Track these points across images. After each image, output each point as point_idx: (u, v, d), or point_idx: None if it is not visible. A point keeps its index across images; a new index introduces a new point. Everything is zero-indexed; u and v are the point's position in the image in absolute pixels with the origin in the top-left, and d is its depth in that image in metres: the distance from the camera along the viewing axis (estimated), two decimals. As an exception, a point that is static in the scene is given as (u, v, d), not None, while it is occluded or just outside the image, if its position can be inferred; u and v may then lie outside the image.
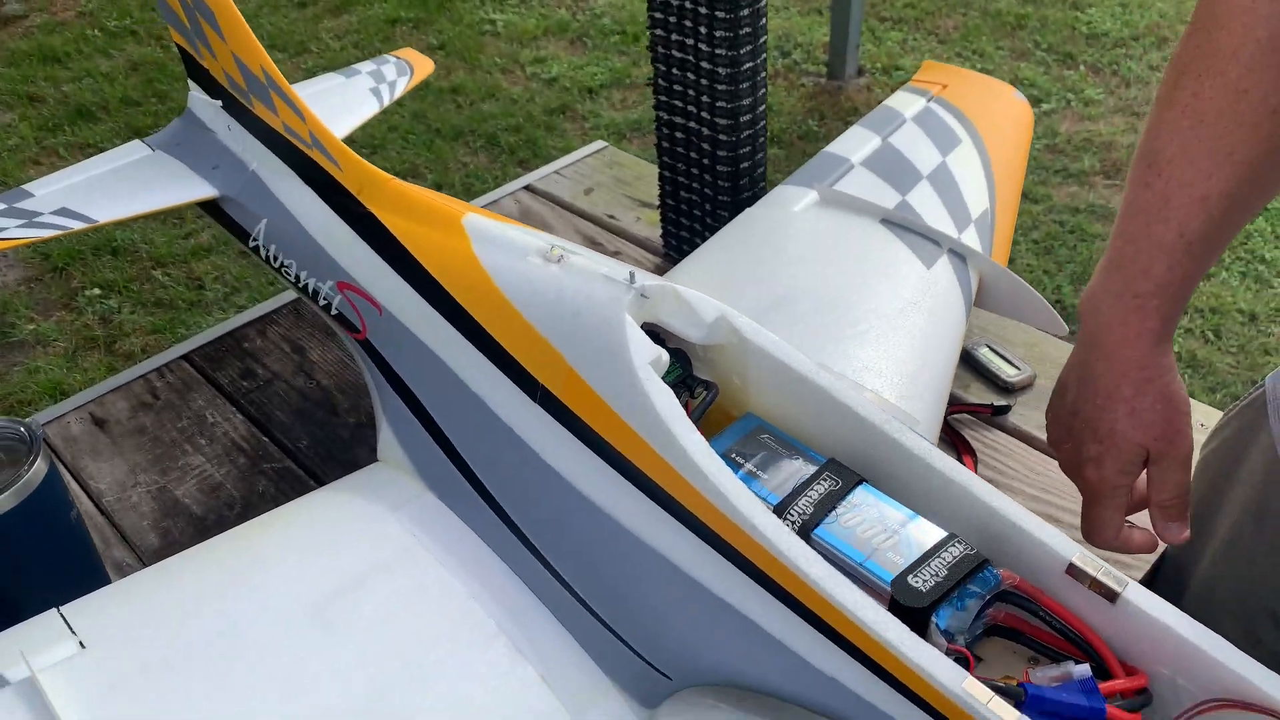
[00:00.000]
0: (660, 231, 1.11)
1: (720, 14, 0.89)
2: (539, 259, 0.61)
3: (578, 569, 0.55)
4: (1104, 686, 0.45)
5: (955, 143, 0.92)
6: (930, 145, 0.92)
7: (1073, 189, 2.52)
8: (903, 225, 0.83)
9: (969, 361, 0.95)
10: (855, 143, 0.94)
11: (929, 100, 0.99)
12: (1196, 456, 0.79)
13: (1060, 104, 2.83)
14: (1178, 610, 0.46)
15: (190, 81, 0.92)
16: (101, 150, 0.97)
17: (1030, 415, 0.90)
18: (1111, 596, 0.47)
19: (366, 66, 1.09)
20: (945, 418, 0.76)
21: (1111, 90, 2.88)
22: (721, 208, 1.01)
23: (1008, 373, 0.93)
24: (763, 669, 0.49)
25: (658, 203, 1.09)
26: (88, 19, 3.61)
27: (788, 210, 0.88)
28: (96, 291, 2.39)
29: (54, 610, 0.58)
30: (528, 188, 1.27)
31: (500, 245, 0.63)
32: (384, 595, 0.57)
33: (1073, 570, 0.48)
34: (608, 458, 0.54)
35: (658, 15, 0.95)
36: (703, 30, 0.91)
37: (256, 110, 0.81)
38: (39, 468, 0.69)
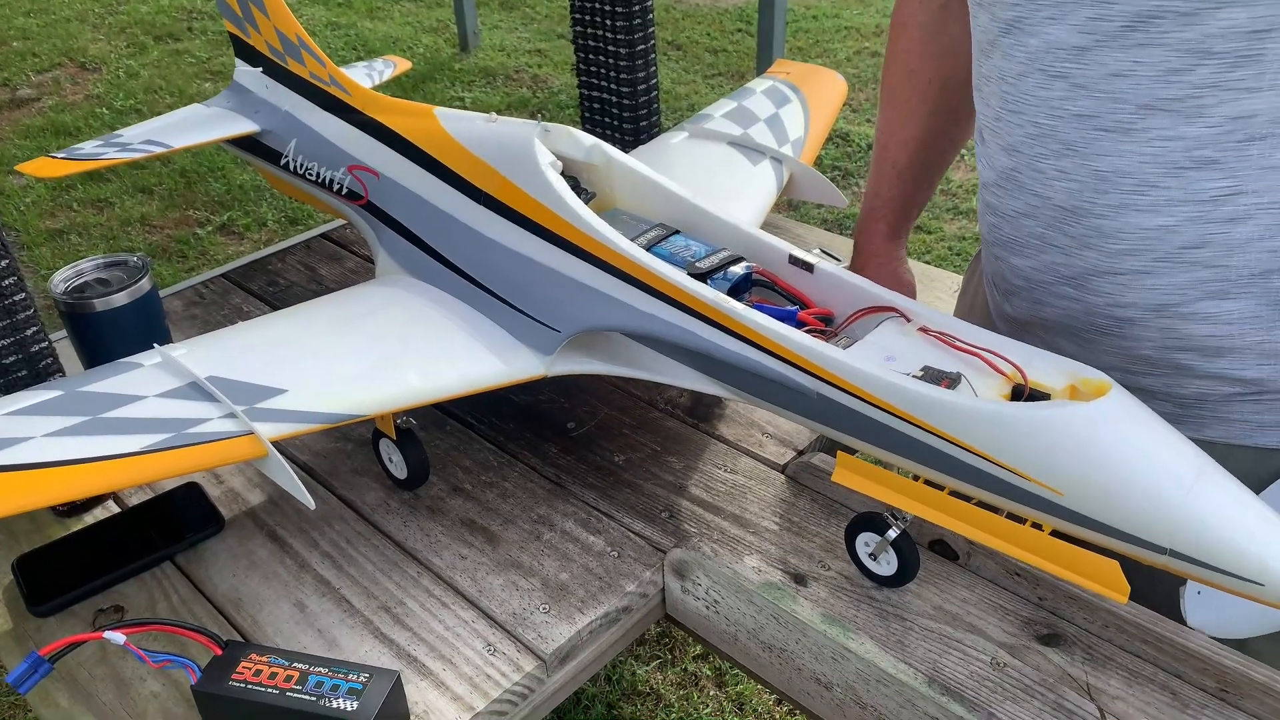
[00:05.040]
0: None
1: (620, 8, 1.27)
2: (482, 123, 0.95)
3: (505, 286, 0.89)
4: (804, 312, 0.79)
5: (786, 101, 1.30)
6: (769, 103, 1.30)
7: (961, 223, 2.93)
8: (742, 144, 1.19)
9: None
10: (719, 105, 1.32)
11: (775, 81, 1.37)
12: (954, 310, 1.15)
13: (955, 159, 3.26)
14: (848, 272, 0.80)
15: (237, 60, 1.27)
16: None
17: (846, 289, 1.25)
18: (810, 269, 0.81)
19: (362, 63, 1.46)
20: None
21: (999, 147, 3.33)
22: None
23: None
24: (616, 316, 0.82)
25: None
26: (96, 100, 4.01)
27: (667, 143, 1.24)
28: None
29: (165, 345, 0.89)
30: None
31: (459, 119, 0.98)
32: (385, 317, 0.90)
33: (791, 259, 0.82)
34: (523, 224, 0.88)
35: (578, 15, 1.33)
36: (608, 23, 1.29)
37: (290, 67, 1.17)
38: (144, 283, 1.01)
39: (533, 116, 3.84)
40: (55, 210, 3.23)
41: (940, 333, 0.73)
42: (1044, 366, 0.68)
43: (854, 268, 1.10)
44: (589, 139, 0.92)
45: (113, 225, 3.10)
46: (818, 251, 1.35)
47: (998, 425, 0.64)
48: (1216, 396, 0.77)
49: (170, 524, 0.92)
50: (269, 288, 1.32)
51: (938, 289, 1.27)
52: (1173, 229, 0.72)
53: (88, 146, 1.21)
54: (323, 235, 1.43)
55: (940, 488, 0.71)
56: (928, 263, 2.89)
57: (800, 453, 0.97)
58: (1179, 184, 0.71)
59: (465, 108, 3.92)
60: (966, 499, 0.70)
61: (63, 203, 3.27)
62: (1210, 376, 0.76)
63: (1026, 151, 0.78)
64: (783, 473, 0.95)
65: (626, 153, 1.28)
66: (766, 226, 1.22)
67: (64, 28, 4.81)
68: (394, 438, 0.91)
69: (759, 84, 1.36)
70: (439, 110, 1.00)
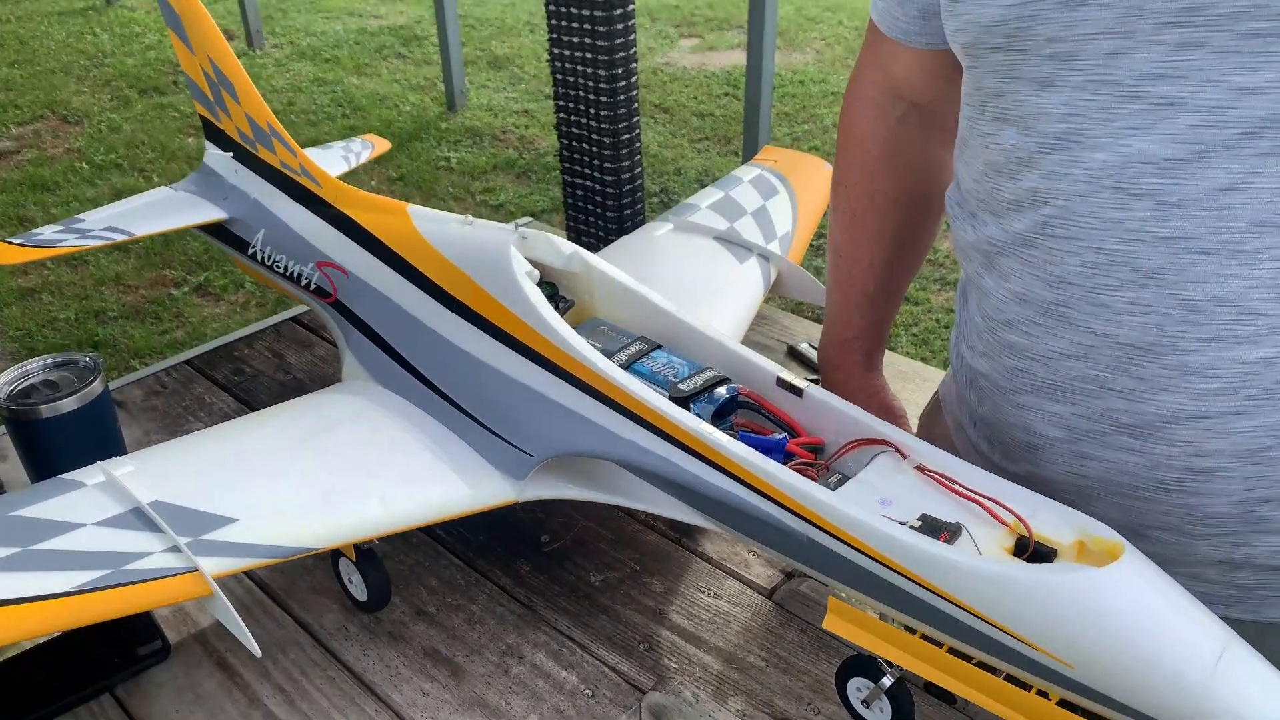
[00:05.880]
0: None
1: (604, 99, 1.24)
2: (457, 225, 0.91)
3: (475, 402, 0.84)
4: (793, 442, 0.74)
5: (774, 193, 1.26)
6: (756, 195, 1.26)
7: (949, 294, 2.91)
8: (728, 239, 1.15)
9: (794, 353, 1.26)
10: (705, 195, 1.28)
11: (762, 170, 1.34)
12: None
13: (941, 229, 3.25)
14: (839, 399, 0.76)
15: (207, 142, 1.23)
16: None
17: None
18: (799, 393, 0.76)
19: (339, 143, 1.42)
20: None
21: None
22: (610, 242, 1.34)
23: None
24: (591, 442, 0.77)
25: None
26: (76, 154, 3.97)
27: (651, 235, 1.20)
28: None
29: (110, 460, 0.83)
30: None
31: (432, 220, 0.93)
32: (346, 432, 0.84)
33: (779, 382, 0.78)
34: (497, 335, 0.84)
35: (560, 104, 1.30)
36: (592, 112, 1.26)
37: (260, 154, 1.13)
38: (96, 386, 0.95)
39: (519, 177, 3.83)
40: (27, 267, 3.17)
41: (938, 474, 0.68)
42: (1049, 518, 0.63)
43: None
44: (568, 246, 0.88)
45: (86, 284, 3.05)
46: (805, 345, 1.32)
47: (1002, 589, 0.59)
48: None
49: (110, 650, 0.85)
50: (234, 376, 1.27)
51: (929, 388, 1.22)
52: (1274, 361, 0.63)
53: (46, 232, 1.16)
54: (293, 319, 1.38)
55: (939, 644, 0.65)
56: (915, 334, 2.88)
57: (789, 575, 0.92)
58: None
59: (451, 167, 3.91)
60: (967, 658, 0.65)
61: (35, 259, 3.21)
62: None
63: (1082, 283, 0.68)
64: (770, 598, 0.90)
65: (610, 243, 1.25)
66: (754, 319, 1.18)
67: (48, 79, 4.79)
68: (353, 559, 0.85)
69: (745, 172, 1.33)
70: (412, 209, 0.96)
